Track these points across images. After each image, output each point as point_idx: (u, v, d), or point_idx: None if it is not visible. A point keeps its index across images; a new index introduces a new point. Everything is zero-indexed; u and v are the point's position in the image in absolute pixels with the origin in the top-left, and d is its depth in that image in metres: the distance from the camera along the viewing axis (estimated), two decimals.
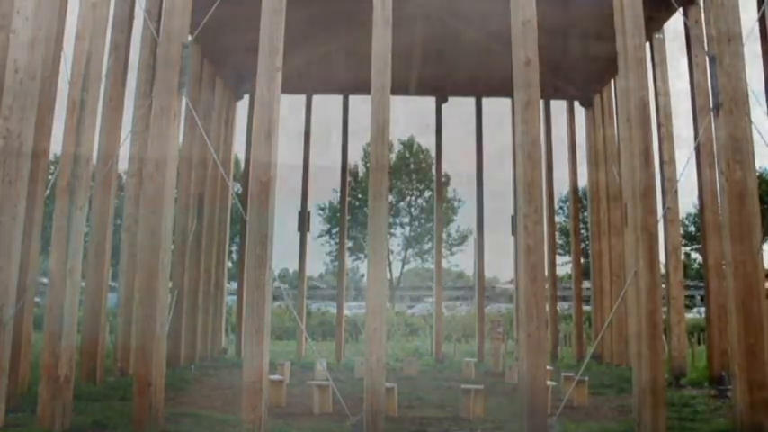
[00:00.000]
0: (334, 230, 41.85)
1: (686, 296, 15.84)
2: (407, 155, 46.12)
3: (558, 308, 19.27)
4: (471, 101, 18.79)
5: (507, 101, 17.45)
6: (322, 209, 45.02)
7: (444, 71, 17.50)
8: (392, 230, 45.42)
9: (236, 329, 17.44)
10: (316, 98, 18.61)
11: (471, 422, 8.71)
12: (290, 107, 17.99)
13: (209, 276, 16.16)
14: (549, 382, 8.71)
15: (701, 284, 15.09)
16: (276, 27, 8.09)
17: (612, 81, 16.63)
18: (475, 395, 9.08)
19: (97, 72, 8.88)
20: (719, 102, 8.38)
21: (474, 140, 18.69)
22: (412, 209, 47.24)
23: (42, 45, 8.43)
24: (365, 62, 8.39)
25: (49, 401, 7.56)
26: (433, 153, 21.27)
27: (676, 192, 13.80)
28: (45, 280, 8.95)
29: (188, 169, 14.80)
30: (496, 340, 16.98)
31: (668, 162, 13.69)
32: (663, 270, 12.21)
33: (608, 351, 16.37)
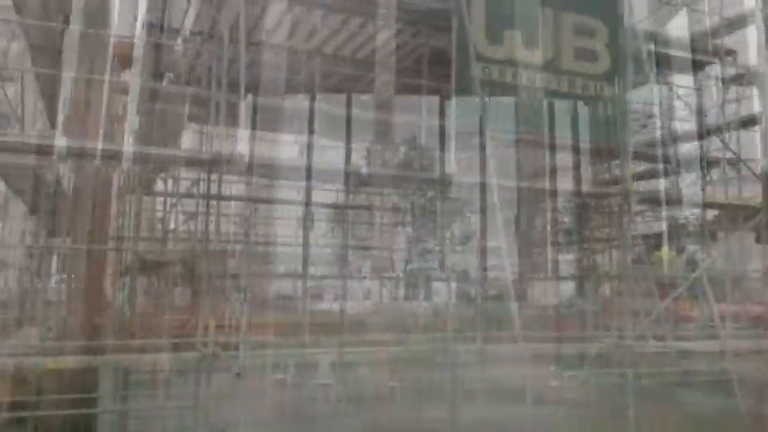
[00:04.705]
0: (337, 229, 41.71)
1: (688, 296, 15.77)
2: (410, 153, 46.04)
3: (559, 307, 19.18)
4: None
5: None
6: (325, 207, 44.87)
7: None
8: (395, 229, 45.29)
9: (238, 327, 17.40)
10: (319, 97, 18.53)
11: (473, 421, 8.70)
12: (292, 106, 17.94)
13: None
14: (551, 383, 8.70)
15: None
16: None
17: (616, 79, 16.53)
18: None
19: (101, 70, 8.89)
20: (722, 98, 8.36)
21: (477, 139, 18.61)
22: (414, 207, 47.14)
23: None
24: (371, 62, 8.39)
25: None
26: (436, 152, 21.19)
27: (680, 191, 13.74)
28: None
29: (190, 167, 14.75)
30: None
31: (671, 160, 13.62)
32: (665, 269, 12.17)
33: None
